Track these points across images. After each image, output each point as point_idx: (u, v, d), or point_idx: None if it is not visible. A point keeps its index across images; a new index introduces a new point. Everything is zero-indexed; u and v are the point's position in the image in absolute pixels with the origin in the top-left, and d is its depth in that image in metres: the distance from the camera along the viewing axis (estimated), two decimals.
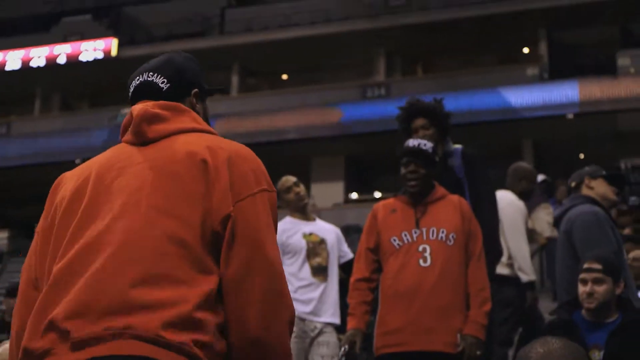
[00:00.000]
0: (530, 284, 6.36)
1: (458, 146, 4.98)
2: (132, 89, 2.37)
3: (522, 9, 25.05)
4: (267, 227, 2.08)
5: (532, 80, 24.48)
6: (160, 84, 2.33)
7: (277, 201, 2.21)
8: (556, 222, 5.07)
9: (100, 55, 28.46)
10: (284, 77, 29.82)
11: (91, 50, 28.56)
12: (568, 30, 25.88)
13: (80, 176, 2.18)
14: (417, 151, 4.34)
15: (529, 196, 7.03)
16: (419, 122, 4.83)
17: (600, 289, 4.18)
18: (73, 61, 28.66)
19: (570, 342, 2.44)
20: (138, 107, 2.23)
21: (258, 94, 28.08)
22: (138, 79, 2.36)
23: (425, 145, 4.37)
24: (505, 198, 6.49)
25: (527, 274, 6.31)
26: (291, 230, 5.74)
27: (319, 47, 26.73)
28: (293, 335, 3.96)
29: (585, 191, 4.95)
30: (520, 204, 6.59)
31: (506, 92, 23.60)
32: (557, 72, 25.06)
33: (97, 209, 2.07)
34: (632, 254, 7.20)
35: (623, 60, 24.17)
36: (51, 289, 1.97)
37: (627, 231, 9.90)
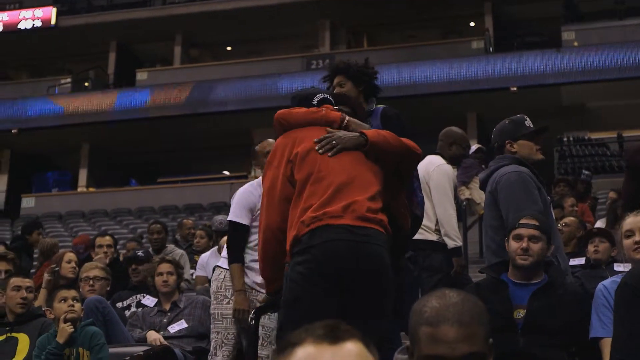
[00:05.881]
0: (457, 250, 6.23)
1: (380, 106, 4.82)
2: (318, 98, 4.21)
3: None
4: None
5: (477, 54, 24.44)
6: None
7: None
8: (482, 185, 4.92)
9: (38, 24, 27.67)
10: (228, 48, 29.39)
11: (30, 18, 27.75)
12: (513, 4, 25.85)
13: (307, 139, 3.85)
14: None
15: (459, 161, 6.90)
16: (336, 80, 4.78)
17: (536, 246, 4.14)
18: (11, 29, 27.84)
19: (470, 296, 2.25)
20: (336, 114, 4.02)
21: (200, 65, 27.67)
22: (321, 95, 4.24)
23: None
24: (434, 162, 6.34)
25: (453, 240, 6.18)
26: None
27: (263, 18, 26.31)
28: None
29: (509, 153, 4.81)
30: (448, 168, 6.43)
31: (451, 65, 23.53)
32: (502, 46, 25.08)
33: (328, 163, 3.77)
34: (563, 220, 7.17)
35: (567, 35, 24.25)
36: (330, 196, 3.68)
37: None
